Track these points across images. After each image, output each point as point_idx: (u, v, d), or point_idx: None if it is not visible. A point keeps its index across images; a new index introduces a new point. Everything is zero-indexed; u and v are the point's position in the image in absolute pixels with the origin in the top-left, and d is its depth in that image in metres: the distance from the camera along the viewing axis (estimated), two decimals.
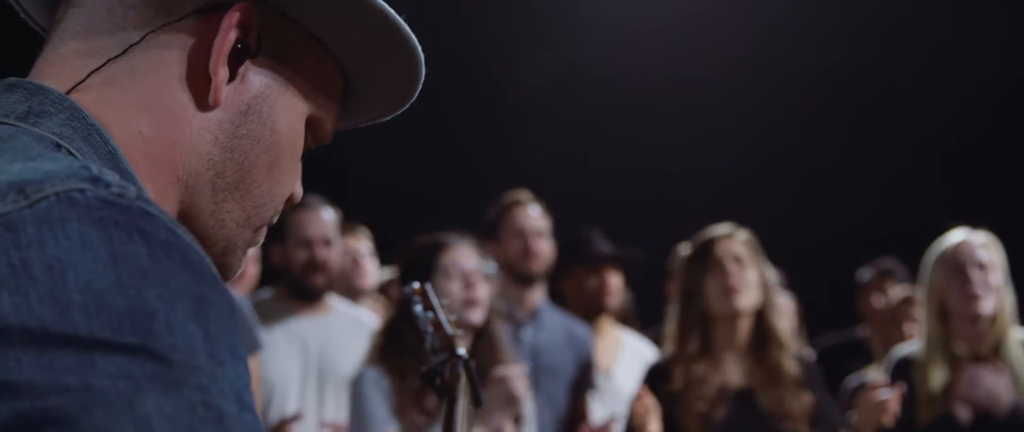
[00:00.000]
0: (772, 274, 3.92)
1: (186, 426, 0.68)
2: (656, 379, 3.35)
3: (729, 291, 3.26)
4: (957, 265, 3.41)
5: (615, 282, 4.31)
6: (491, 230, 4.15)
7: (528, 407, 3.19)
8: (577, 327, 4.18)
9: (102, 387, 0.67)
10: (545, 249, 4.11)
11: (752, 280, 3.28)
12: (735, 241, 3.32)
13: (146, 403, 0.68)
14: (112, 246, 0.71)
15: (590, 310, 4.33)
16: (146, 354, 0.69)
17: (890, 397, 3.08)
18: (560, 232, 4.23)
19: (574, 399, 3.90)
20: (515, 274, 4.07)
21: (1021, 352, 3.45)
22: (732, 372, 3.30)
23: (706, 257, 3.28)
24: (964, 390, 3.34)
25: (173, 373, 0.70)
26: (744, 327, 3.31)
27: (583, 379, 3.98)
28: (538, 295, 4.14)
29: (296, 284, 3.94)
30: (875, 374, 3.96)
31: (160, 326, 0.70)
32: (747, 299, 3.28)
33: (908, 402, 3.45)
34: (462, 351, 1.46)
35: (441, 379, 1.43)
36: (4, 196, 0.71)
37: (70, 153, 0.81)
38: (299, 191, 0.99)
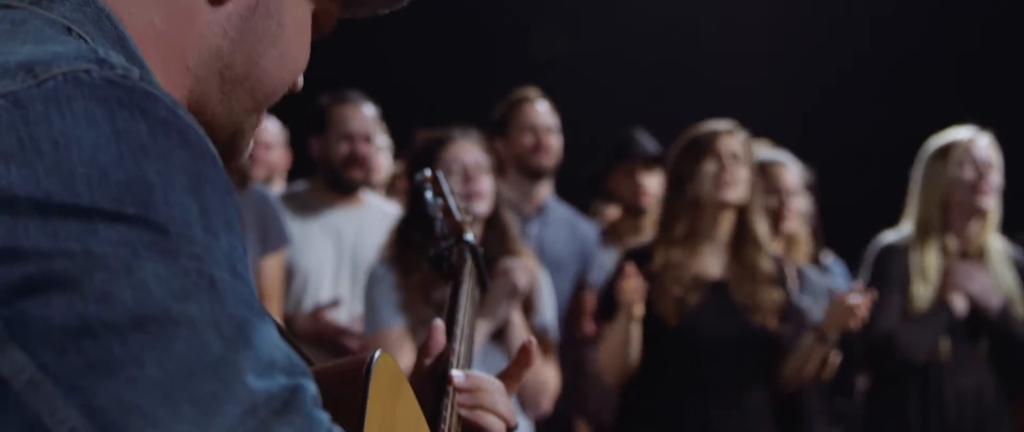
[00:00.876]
0: (804, 173, 3.95)
1: (180, 290, 0.73)
2: (635, 260, 3.39)
3: (721, 182, 3.31)
4: (972, 159, 3.45)
5: (650, 183, 4.33)
6: (500, 126, 4.19)
7: (544, 297, 3.25)
8: (582, 223, 4.25)
9: (103, 253, 0.72)
10: (554, 144, 4.15)
11: (743, 177, 3.33)
12: (734, 138, 3.36)
13: (144, 268, 0.73)
14: (115, 123, 0.75)
15: (631, 212, 4.38)
16: (144, 224, 0.74)
17: (860, 301, 3.12)
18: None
19: (576, 294, 3.98)
20: (524, 169, 4.11)
21: (1001, 258, 3.51)
22: (709, 263, 3.36)
23: (704, 147, 3.33)
24: (962, 282, 3.39)
25: (170, 242, 0.74)
26: (727, 220, 3.38)
27: (585, 274, 4.05)
28: (546, 190, 4.20)
29: (334, 177, 3.99)
30: None
31: (158, 198, 0.74)
32: (736, 193, 3.33)
33: (900, 292, 3.50)
34: (470, 237, 1.51)
35: (448, 264, 1.48)
36: (14, 75, 0.76)
37: (80, 37, 0.84)
38: (300, 82, 1.03)
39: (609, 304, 3.40)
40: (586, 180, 4.69)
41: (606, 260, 4.15)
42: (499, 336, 3.02)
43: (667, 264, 3.31)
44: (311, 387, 0.76)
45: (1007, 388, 3.55)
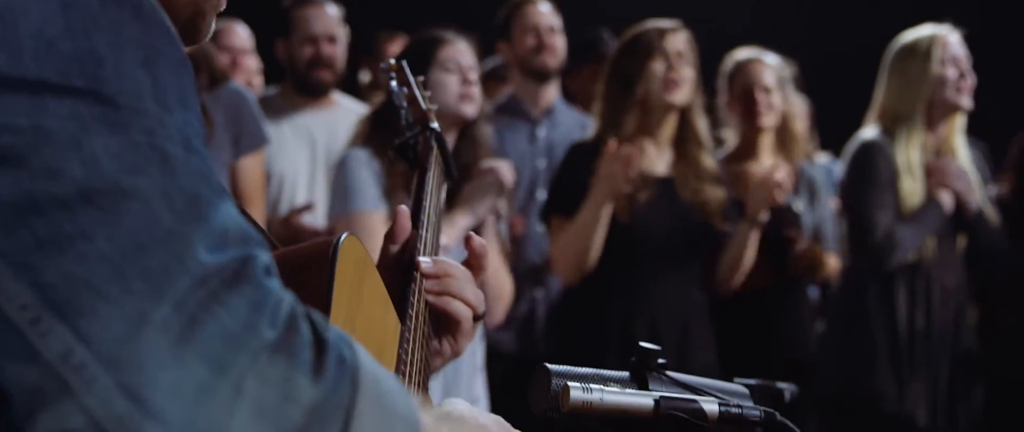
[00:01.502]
0: (789, 70, 3.93)
1: (131, 164, 0.72)
2: (580, 156, 3.38)
3: (669, 83, 3.29)
4: (952, 57, 3.45)
5: None
6: (503, 29, 4.15)
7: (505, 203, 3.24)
8: (591, 124, 4.21)
9: (51, 127, 0.71)
10: (558, 44, 4.12)
11: (689, 77, 3.33)
12: (679, 36, 3.34)
13: (93, 142, 0.71)
14: None
15: None
16: (94, 97, 0.72)
17: (783, 177, 3.14)
18: (571, 34, 4.23)
19: (528, 200, 3.97)
20: (529, 71, 4.08)
21: (967, 158, 3.55)
22: (655, 160, 3.37)
23: (651, 46, 3.30)
24: (948, 178, 3.41)
25: (120, 116, 0.73)
26: (672, 120, 3.37)
27: (536, 179, 4.04)
28: (552, 92, 4.17)
29: (302, 80, 3.97)
30: None
31: (108, 71, 0.73)
32: (683, 94, 3.33)
33: (885, 187, 3.51)
34: (435, 125, 1.50)
35: (413, 152, 1.47)
36: None
37: None
38: None
39: (565, 198, 3.37)
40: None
41: None
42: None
43: None
44: (263, 256, 0.76)
45: (971, 286, 3.61)
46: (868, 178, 3.55)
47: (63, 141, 0.71)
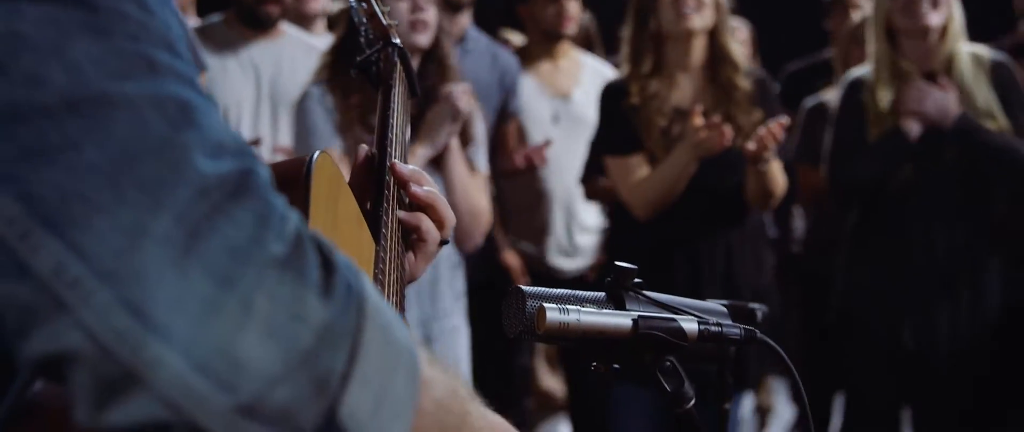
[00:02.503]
0: None
1: (116, 70, 0.68)
2: (613, 96, 3.37)
3: (682, 10, 3.24)
4: None
5: (573, 8, 4.26)
6: None
7: (479, 127, 3.21)
8: (502, 53, 4.19)
9: (29, 33, 0.67)
10: None
11: (705, 0, 3.26)
12: None
13: (75, 48, 0.67)
14: None
15: (548, 37, 4.31)
16: (74, 2, 0.68)
17: (717, 124, 3.09)
18: None
19: (497, 125, 3.95)
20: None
21: (972, 66, 3.47)
22: (685, 91, 3.32)
23: None
24: (911, 104, 3.37)
25: (100, 20, 0.68)
26: (698, 46, 3.31)
27: (507, 104, 4.02)
28: (465, 19, 4.13)
29: (249, 12, 3.87)
30: (833, 95, 4.00)
31: None
32: (701, 19, 3.27)
33: (860, 123, 3.51)
34: (397, 40, 1.45)
35: (376, 69, 1.42)
36: None
37: None
38: None
39: (611, 140, 3.36)
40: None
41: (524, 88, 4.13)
42: (436, 164, 2.98)
43: (645, 96, 3.26)
44: (263, 170, 0.72)
45: (976, 195, 3.54)
46: (841, 112, 3.58)
47: (43, 47, 0.67)
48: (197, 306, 0.65)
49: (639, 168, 3.29)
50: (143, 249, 0.65)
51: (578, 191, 4.00)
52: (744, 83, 3.30)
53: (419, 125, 2.95)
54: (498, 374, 3.91)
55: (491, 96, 3.94)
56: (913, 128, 3.38)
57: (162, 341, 0.64)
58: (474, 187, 3.09)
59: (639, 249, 3.29)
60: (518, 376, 4.31)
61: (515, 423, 0.99)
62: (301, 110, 3.05)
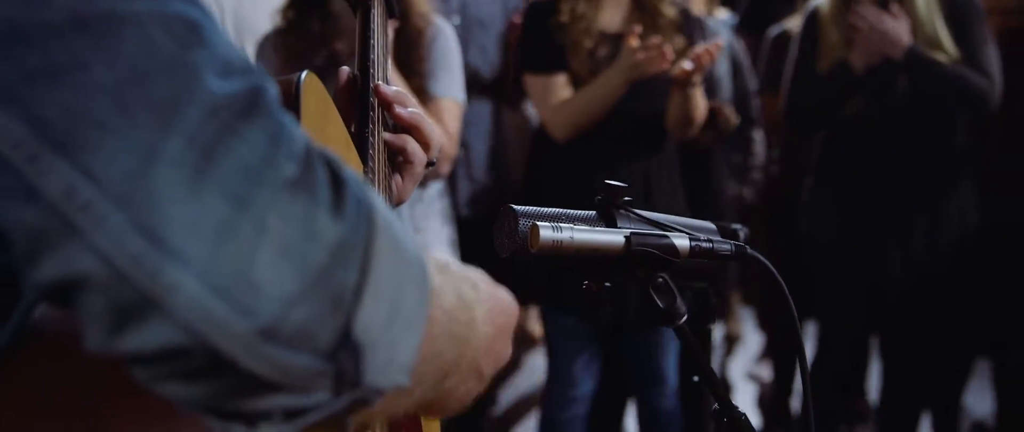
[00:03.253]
0: None
1: None
2: (541, 14, 3.32)
3: None
4: None
5: None
6: None
7: (440, 53, 3.14)
8: None
9: None
10: None
11: None
12: None
13: None
14: None
15: None
16: None
17: (656, 45, 3.07)
18: None
19: (504, 50, 3.91)
20: None
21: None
22: (611, 16, 3.30)
23: None
24: (859, 35, 3.39)
25: None
26: None
27: (511, 30, 3.97)
28: None
29: None
30: (796, 23, 4.00)
31: None
32: None
33: (815, 52, 3.52)
34: None
35: None
36: None
37: None
38: None
39: (534, 57, 3.32)
40: None
41: None
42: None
43: (574, 16, 3.23)
44: (272, 88, 0.70)
45: (932, 122, 3.57)
46: (800, 41, 3.60)
47: None
48: (212, 229, 0.64)
49: (562, 88, 3.26)
50: (156, 171, 0.63)
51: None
52: (669, 11, 3.29)
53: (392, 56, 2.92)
54: None
55: (495, 23, 3.89)
56: (858, 60, 3.41)
57: (179, 265, 0.63)
58: (444, 115, 3.06)
59: (558, 171, 3.30)
60: None
61: None
62: (258, 56, 3.02)
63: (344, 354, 0.68)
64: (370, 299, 0.69)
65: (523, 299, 3.94)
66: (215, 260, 0.64)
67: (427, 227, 3.16)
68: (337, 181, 0.70)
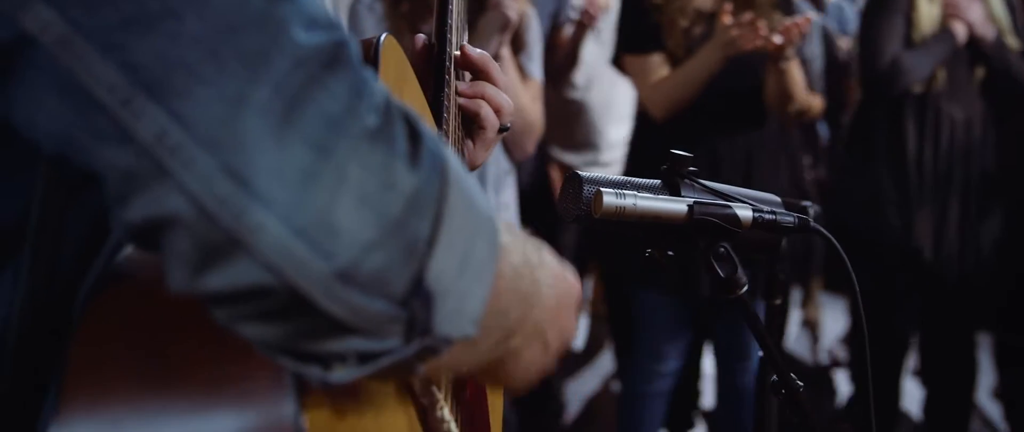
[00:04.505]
0: None
1: None
2: None
3: None
4: None
5: None
6: None
7: (533, 34, 3.20)
8: None
9: None
10: None
11: None
12: None
13: None
14: None
15: None
16: None
17: (750, 22, 3.05)
18: None
19: (551, 31, 3.92)
20: None
21: None
22: None
23: None
24: (959, 10, 3.35)
25: None
26: None
27: (560, 11, 3.99)
28: None
29: None
30: None
31: None
32: None
33: (889, 14, 3.46)
34: None
35: None
36: None
37: None
38: None
39: (632, 38, 3.33)
40: None
41: None
42: None
43: None
44: (354, 43, 0.73)
45: (997, 117, 3.56)
46: (881, 5, 3.52)
47: None
48: (295, 174, 0.67)
49: (659, 67, 3.27)
50: (244, 118, 0.66)
51: (617, 104, 4.00)
52: None
53: (471, 33, 2.95)
54: None
55: (545, 3, 3.91)
56: (961, 32, 3.37)
57: (263, 207, 0.66)
58: (526, 96, 3.09)
59: (659, 151, 3.28)
60: None
61: None
62: (352, 16, 3.06)
63: (416, 301, 0.71)
64: (442, 249, 0.72)
65: (612, 276, 3.97)
66: (297, 204, 0.67)
67: (509, 203, 3.20)
68: (414, 135, 0.73)
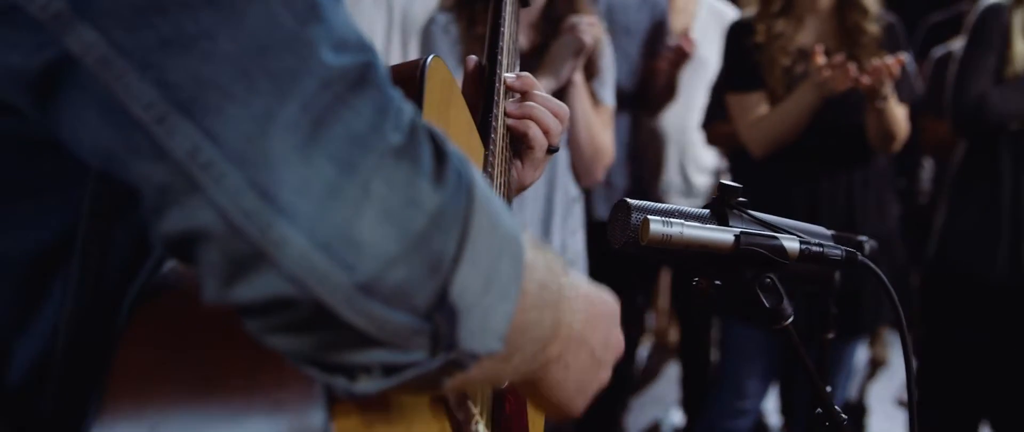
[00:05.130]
0: None
1: None
2: (738, 35, 3.35)
3: None
4: None
5: None
6: None
7: (607, 60, 3.21)
8: None
9: None
10: None
11: None
12: None
13: None
14: None
15: None
16: None
17: (841, 63, 3.01)
18: None
19: (647, 58, 3.92)
20: None
21: None
22: (811, 33, 3.29)
23: None
24: None
25: None
26: None
27: (657, 38, 3.98)
28: None
29: None
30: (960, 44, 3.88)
31: None
32: None
33: (998, 51, 3.38)
34: None
35: None
36: None
37: None
38: None
39: (735, 77, 3.35)
40: None
41: None
42: (560, 96, 2.99)
43: (771, 35, 3.24)
44: (382, 64, 0.76)
45: None
46: (973, 39, 3.43)
47: None
48: (320, 189, 0.69)
49: (759, 105, 3.27)
50: (271, 135, 0.69)
51: (692, 129, 3.98)
52: (872, 28, 3.24)
53: (544, 57, 2.97)
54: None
55: (640, 30, 3.92)
56: None
57: (288, 221, 0.69)
58: (597, 122, 3.10)
59: (757, 188, 3.27)
60: (632, 315, 4.34)
61: (626, 361, 1.02)
62: (425, 36, 3.09)
63: (440, 316, 0.73)
64: (467, 266, 0.73)
65: (702, 308, 3.95)
66: (321, 218, 0.69)
67: (576, 229, 3.19)
68: (440, 154, 0.75)
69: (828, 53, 3.13)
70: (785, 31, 3.25)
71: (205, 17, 0.71)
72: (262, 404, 0.78)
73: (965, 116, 3.38)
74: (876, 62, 3.04)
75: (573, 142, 3.08)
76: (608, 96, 3.21)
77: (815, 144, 3.21)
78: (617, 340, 0.98)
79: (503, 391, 1.15)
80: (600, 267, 3.28)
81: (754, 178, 3.33)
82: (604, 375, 0.96)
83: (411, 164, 0.72)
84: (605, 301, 0.96)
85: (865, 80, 3.02)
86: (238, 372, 0.80)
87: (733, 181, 3.55)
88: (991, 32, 3.37)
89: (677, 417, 4.82)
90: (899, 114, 3.18)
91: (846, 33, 3.24)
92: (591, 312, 0.91)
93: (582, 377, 0.93)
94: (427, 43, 3.08)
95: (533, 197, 3.07)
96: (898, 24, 3.44)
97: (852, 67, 3.00)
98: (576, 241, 3.19)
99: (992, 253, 3.39)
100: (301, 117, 0.70)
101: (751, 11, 3.41)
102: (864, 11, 3.24)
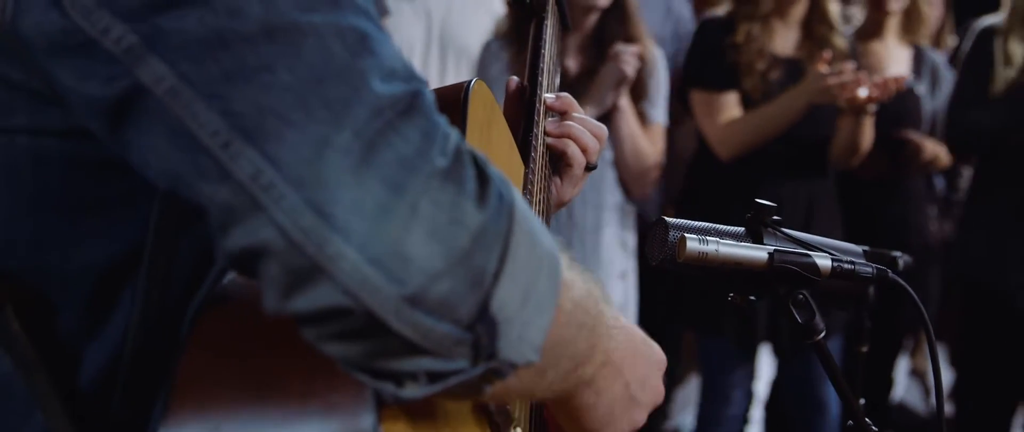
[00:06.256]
0: None
1: (305, 3, 0.78)
2: (715, 31, 3.35)
3: None
4: None
5: None
6: None
7: (656, 81, 3.25)
8: (676, 2, 4.17)
9: None
10: None
11: None
12: None
13: None
14: None
15: None
16: None
17: (850, 77, 3.03)
18: None
19: (673, 77, 3.95)
20: None
21: None
22: (783, 40, 3.32)
23: None
24: None
25: None
26: (803, 0, 3.30)
27: (681, 55, 4.01)
28: None
29: None
30: None
31: None
32: None
33: (988, 72, 3.41)
34: None
35: (530, 1, 1.48)
36: None
37: None
38: None
39: (702, 73, 3.37)
40: None
41: None
42: (605, 121, 3.04)
43: (749, 38, 3.27)
44: (429, 93, 0.81)
45: None
46: (966, 65, 3.49)
47: None
48: (372, 209, 0.75)
49: (731, 107, 3.28)
50: (327, 159, 0.75)
51: None
52: (839, 41, 3.29)
53: (590, 83, 3.03)
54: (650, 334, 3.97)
55: (664, 48, 3.95)
56: None
57: (343, 238, 0.74)
58: (644, 142, 3.14)
59: (719, 192, 3.32)
60: (670, 338, 4.36)
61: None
62: (481, 62, 3.17)
63: (481, 327, 0.78)
64: (506, 281, 0.78)
65: (678, 322, 3.98)
66: (373, 235, 0.75)
67: (610, 258, 3.24)
68: (483, 177, 0.80)
69: (800, 62, 3.19)
70: (761, 35, 3.27)
71: (265, 50, 0.76)
72: (317, 407, 0.83)
73: (961, 145, 3.44)
74: (885, 77, 3.08)
75: (619, 161, 3.16)
76: (658, 115, 3.25)
77: (777, 151, 3.24)
78: (656, 386, 1.03)
79: (541, 405, 1.20)
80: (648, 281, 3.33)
81: (714, 181, 3.39)
82: (639, 416, 1.02)
83: (456, 186, 0.78)
84: (651, 346, 1.01)
85: (875, 94, 3.05)
86: (295, 377, 0.85)
87: (690, 180, 3.58)
88: (977, 55, 3.41)
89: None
90: (869, 129, 3.22)
91: (814, 44, 3.28)
92: (631, 348, 0.96)
93: (613, 407, 0.99)
94: (481, 67, 3.18)
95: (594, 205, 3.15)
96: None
97: (863, 78, 3.03)
98: (625, 256, 3.24)
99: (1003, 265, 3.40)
100: (354, 142, 0.75)
101: (722, 10, 3.44)
102: (830, 25, 3.30)
